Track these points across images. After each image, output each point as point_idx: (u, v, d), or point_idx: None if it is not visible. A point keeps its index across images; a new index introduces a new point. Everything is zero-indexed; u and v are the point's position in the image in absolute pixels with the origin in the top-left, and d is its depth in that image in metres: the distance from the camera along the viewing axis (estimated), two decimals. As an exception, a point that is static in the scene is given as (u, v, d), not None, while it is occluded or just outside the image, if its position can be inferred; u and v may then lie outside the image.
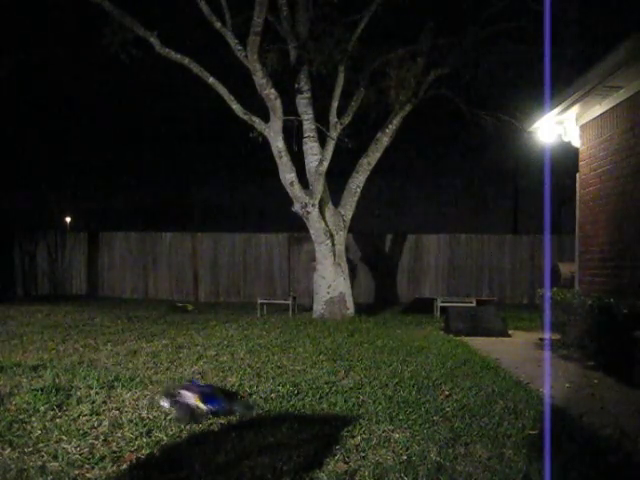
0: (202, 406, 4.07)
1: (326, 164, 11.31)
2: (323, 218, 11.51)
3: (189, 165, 25.42)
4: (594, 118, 8.02)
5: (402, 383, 5.45)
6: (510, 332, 9.54)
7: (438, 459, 3.46)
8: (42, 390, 4.86)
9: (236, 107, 10.99)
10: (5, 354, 6.74)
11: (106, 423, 4.10)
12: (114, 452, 3.55)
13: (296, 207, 11.38)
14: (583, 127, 8.47)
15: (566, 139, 8.82)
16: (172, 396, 4.24)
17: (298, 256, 16.19)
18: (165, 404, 4.25)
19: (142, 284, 16.94)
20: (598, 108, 7.80)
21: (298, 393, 5.03)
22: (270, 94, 10.65)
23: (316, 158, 11.57)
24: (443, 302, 12.24)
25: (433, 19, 11.57)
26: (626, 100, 7.07)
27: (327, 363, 6.48)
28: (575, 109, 8.05)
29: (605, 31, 10.27)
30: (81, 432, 3.90)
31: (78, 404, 4.56)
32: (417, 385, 5.37)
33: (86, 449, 3.60)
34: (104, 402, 4.66)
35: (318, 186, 11.29)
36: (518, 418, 4.32)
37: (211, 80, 10.95)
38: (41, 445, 3.66)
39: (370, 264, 16.06)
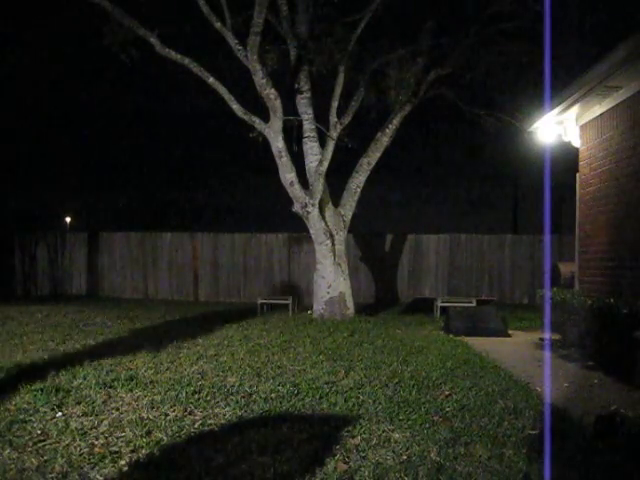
0: None
1: (326, 164, 11.30)
2: (323, 218, 11.51)
3: (189, 165, 25.43)
4: (594, 118, 8.02)
5: (402, 383, 5.45)
6: (510, 332, 9.54)
7: (438, 459, 3.46)
8: (42, 390, 4.87)
9: (236, 107, 10.99)
10: (5, 354, 6.74)
11: (106, 423, 4.10)
12: (114, 452, 3.55)
13: (296, 207, 11.38)
14: (583, 127, 8.47)
15: (566, 139, 8.82)
16: None
17: (298, 256, 16.19)
18: None
19: (142, 284, 16.94)
20: (598, 108, 7.79)
21: (298, 393, 5.03)
22: (270, 94, 10.65)
23: (316, 158, 11.57)
24: (443, 302, 12.24)
25: (433, 19, 11.57)
26: (626, 100, 7.07)
27: (327, 363, 6.48)
28: (575, 109, 8.05)
29: (605, 31, 10.27)
30: (81, 432, 3.90)
31: (78, 404, 4.56)
32: (417, 385, 5.36)
33: (86, 449, 3.60)
34: (104, 402, 4.66)
35: (318, 186, 11.29)
36: (518, 418, 4.31)
37: (211, 80, 10.94)
38: (41, 445, 3.66)
39: (370, 264, 16.05)
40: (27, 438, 3.78)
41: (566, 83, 7.54)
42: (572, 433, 3.96)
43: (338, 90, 11.11)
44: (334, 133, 11.28)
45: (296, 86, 11.54)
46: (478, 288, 15.77)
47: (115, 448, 3.62)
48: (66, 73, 15.45)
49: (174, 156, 24.61)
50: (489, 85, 11.83)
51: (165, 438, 3.82)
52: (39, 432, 3.90)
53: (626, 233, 7.05)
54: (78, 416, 4.26)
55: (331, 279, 11.47)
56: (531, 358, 7.21)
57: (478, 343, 8.33)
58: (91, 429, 3.98)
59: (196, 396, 4.87)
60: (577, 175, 8.75)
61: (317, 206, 11.32)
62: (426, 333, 9.38)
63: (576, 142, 8.68)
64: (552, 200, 7.88)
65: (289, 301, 12.68)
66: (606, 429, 3.78)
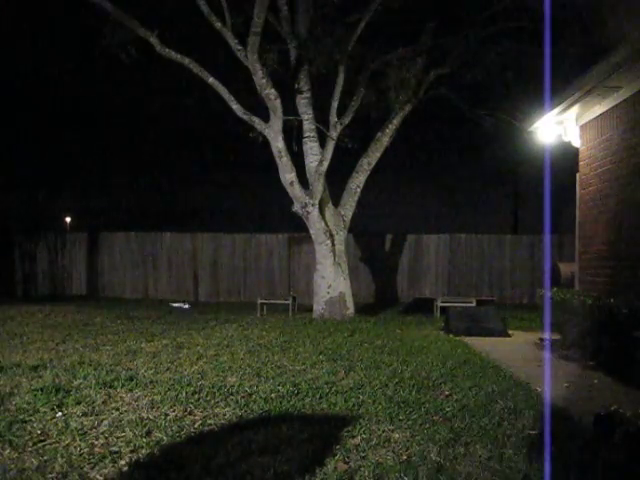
0: None
1: (326, 164, 11.31)
2: (323, 218, 11.52)
3: (189, 165, 25.44)
4: (594, 118, 8.02)
5: (402, 383, 5.45)
6: (510, 332, 9.54)
7: (438, 459, 3.46)
8: (42, 390, 4.86)
9: (236, 107, 10.99)
10: (5, 354, 6.74)
11: (106, 423, 4.10)
12: (114, 452, 3.55)
13: (296, 207, 11.38)
14: (583, 127, 8.47)
15: (566, 139, 8.82)
16: None
17: (298, 256, 16.19)
18: None
19: (142, 284, 16.93)
20: (598, 108, 7.79)
21: (298, 393, 5.03)
22: (270, 94, 10.66)
23: (316, 158, 11.57)
24: (443, 302, 12.24)
25: (433, 19, 11.57)
26: (626, 100, 7.07)
27: (327, 363, 6.48)
28: (575, 109, 8.05)
29: (605, 31, 10.25)
30: (81, 432, 3.90)
31: (78, 404, 4.56)
32: (417, 385, 5.37)
33: (86, 449, 3.60)
34: (104, 402, 4.66)
35: (318, 186, 11.29)
36: (518, 418, 4.31)
37: (211, 80, 10.95)
38: (41, 445, 3.66)
39: (370, 264, 16.05)
40: (27, 438, 3.78)
41: (566, 83, 7.53)
42: (572, 433, 3.96)
43: (338, 90, 11.11)
44: (334, 133, 11.28)
45: (296, 86, 11.54)
46: (478, 288, 15.76)
47: (115, 448, 3.62)
48: (66, 73, 15.45)
49: (174, 156, 24.62)
50: (489, 85, 11.84)
51: (165, 438, 3.81)
52: (39, 432, 3.90)
53: (626, 233, 7.05)
54: (78, 416, 4.26)
55: (331, 279, 11.47)
56: (531, 358, 7.21)
57: (478, 343, 8.33)
58: (91, 429, 3.98)
59: (196, 396, 4.87)
60: (577, 175, 8.75)
61: (317, 206, 11.32)
62: (426, 333, 9.38)
63: (576, 142, 8.68)
64: (552, 200, 7.88)
65: (289, 301, 12.68)
66: (605, 428, 3.78)
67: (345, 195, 12.09)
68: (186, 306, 13.76)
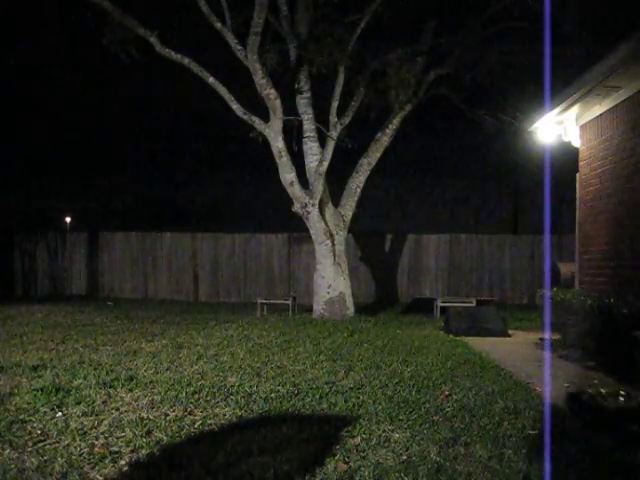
0: None
1: (326, 164, 11.31)
2: (323, 218, 11.52)
3: (189, 165, 25.44)
4: (594, 118, 8.02)
5: (402, 383, 5.45)
6: (510, 332, 9.54)
7: (438, 459, 3.46)
8: (42, 390, 4.86)
9: (236, 107, 10.99)
10: (5, 354, 6.74)
11: (106, 423, 4.10)
12: (114, 452, 3.55)
13: (296, 207, 11.39)
14: (583, 127, 8.47)
15: (566, 139, 8.81)
16: None
17: (298, 256, 16.19)
18: None
19: (142, 284, 16.93)
20: (598, 108, 7.79)
21: (298, 393, 5.03)
22: (270, 94, 10.66)
23: (316, 158, 11.58)
24: (443, 302, 12.24)
25: (433, 19, 11.58)
26: (626, 100, 7.07)
27: (327, 363, 6.48)
28: (575, 109, 8.04)
29: (605, 31, 10.26)
30: (81, 432, 3.90)
31: (78, 404, 4.56)
32: (417, 385, 5.37)
33: (86, 449, 3.60)
34: (104, 402, 4.66)
35: (318, 186, 11.30)
36: (518, 418, 4.31)
37: (211, 80, 10.95)
38: (41, 445, 3.66)
39: (370, 264, 16.05)
40: (27, 438, 3.78)
41: (566, 83, 7.53)
42: (572, 433, 3.96)
43: (338, 90, 11.11)
44: (334, 133, 11.28)
45: (296, 86, 11.54)
46: (478, 288, 15.77)
47: (115, 448, 3.62)
48: (66, 72, 15.46)
49: (174, 156, 24.63)
50: (489, 85, 11.84)
51: (165, 438, 3.81)
52: (39, 432, 3.90)
53: (626, 233, 7.05)
54: (78, 416, 4.26)
55: (331, 279, 11.47)
56: (531, 358, 7.21)
57: (478, 343, 8.33)
58: (91, 429, 3.98)
59: (196, 396, 4.87)
60: (577, 175, 8.75)
61: (317, 206, 11.33)
62: (426, 333, 9.38)
63: (576, 142, 8.67)
64: (552, 200, 7.88)
65: (289, 301, 12.68)
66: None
67: (345, 195, 12.09)
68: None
